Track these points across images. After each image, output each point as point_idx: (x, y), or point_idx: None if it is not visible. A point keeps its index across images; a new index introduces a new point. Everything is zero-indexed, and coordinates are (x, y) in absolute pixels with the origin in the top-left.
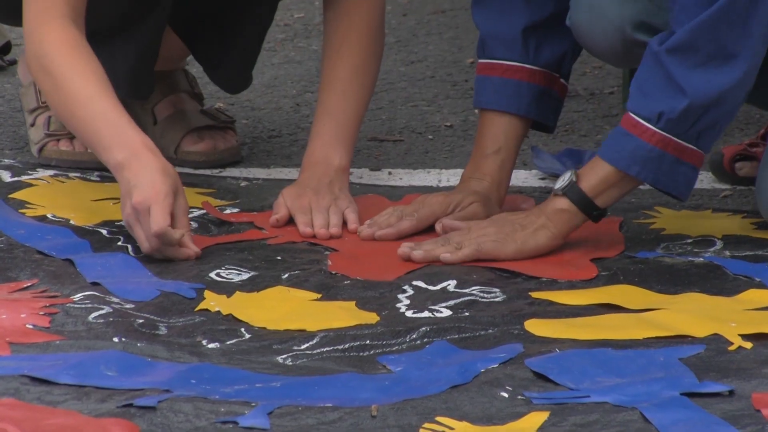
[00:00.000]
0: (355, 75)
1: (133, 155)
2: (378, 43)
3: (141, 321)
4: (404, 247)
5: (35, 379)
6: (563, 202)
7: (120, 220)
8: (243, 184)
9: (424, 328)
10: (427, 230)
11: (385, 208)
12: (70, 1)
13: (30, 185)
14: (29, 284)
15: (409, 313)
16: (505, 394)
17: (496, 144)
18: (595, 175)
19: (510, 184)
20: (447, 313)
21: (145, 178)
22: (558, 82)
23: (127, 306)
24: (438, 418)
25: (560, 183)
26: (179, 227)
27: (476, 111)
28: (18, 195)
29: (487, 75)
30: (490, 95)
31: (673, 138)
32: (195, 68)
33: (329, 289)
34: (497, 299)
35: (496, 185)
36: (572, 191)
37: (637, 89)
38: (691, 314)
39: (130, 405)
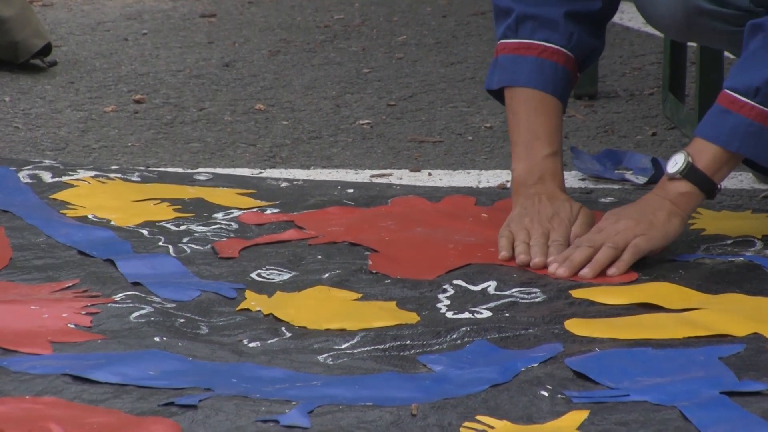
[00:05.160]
0: None
1: None
2: None
3: (182, 320)
4: (562, 269)
5: (77, 378)
6: (684, 185)
7: (161, 221)
8: (283, 185)
9: (464, 328)
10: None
11: (424, 209)
12: None
13: (71, 186)
14: (70, 284)
15: (449, 314)
16: (545, 393)
17: (554, 144)
18: (706, 154)
19: None
20: (487, 314)
21: None
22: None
23: (168, 305)
24: (478, 417)
25: (675, 167)
26: None
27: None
28: (59, 196)
29: (524, 55)
30: (533, 75)
31: None
32: None
33: (370, 288)
34: (537, 299)
35: (560, 182)
36: (692, 173)
37: (735, 68)
38: (730, 314)
39: (171, 404)
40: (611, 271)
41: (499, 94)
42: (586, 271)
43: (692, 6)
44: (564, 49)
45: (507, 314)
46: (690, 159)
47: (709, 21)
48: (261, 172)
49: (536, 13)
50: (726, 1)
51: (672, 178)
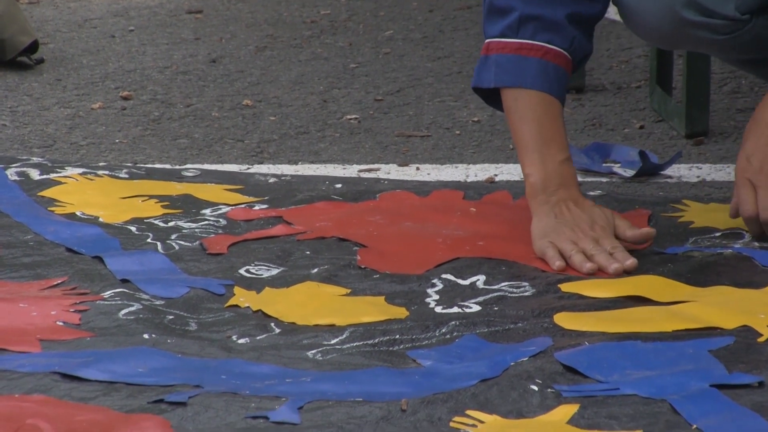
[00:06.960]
0: None
1: None
2: None
3: (171, 317)
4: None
5: (66, 376)
6: None
7: (149, 217)
8: (271, 180)
9: (453, 323)
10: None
11: (412, 204)
12: None
13: (59, 183)
14: (59, 281)
15: (438, 309)
16: (535, 387)
17: (565, 149)
18: None
19: None
20: (476, 308)
21: None
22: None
23: (157, 302)
24: (468, 412)
25: None
26: None
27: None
28: (47, 193)
29: (527, 56)
30: (536, 77)
31: None
32: None
33: (359, 283)
34: (526, 293)
35: (578, 187)
36: None
37: None
38: (720, 306)
39: (161, 401)
40: None
41: (488, 93)
42: None
43: (679, 18)
44: (565, 52)
45: (496, 308)
46: None
47: (696, 31)
48: (249, 168)
49: (540, 14)
50: (712, 11)
51: None
